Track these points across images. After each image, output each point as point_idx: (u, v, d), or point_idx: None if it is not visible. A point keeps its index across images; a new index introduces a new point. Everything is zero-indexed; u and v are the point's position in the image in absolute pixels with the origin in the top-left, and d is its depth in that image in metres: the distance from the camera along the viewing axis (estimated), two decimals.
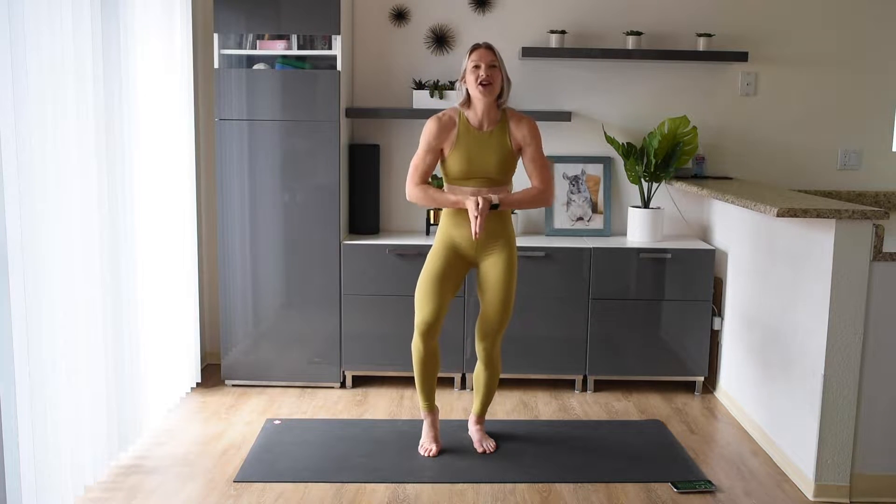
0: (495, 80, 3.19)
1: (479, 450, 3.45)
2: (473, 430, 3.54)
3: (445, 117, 3.27)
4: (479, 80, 3.16)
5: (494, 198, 3.21)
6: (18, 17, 2.50)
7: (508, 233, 3.33)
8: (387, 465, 3.31)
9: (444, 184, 3.32)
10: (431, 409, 3.48)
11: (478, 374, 3.48)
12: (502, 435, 3.61)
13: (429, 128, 3.26)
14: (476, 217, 3.15)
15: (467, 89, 3.23)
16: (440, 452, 3.43)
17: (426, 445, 3.44)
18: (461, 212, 3.27)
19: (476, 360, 3.47)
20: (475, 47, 3.23)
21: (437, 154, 3.27)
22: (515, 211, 4.36)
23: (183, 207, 3.98)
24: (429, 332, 3.33)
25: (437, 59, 4.42)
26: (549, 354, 4.18)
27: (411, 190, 3.29)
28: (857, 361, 3.03)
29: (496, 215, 3.28)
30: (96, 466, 3.10)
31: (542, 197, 3.30)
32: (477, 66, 3.18)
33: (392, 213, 4.53)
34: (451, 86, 4.30)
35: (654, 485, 3.19)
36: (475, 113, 3.24)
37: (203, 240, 4.45)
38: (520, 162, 3.32)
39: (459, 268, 3.34)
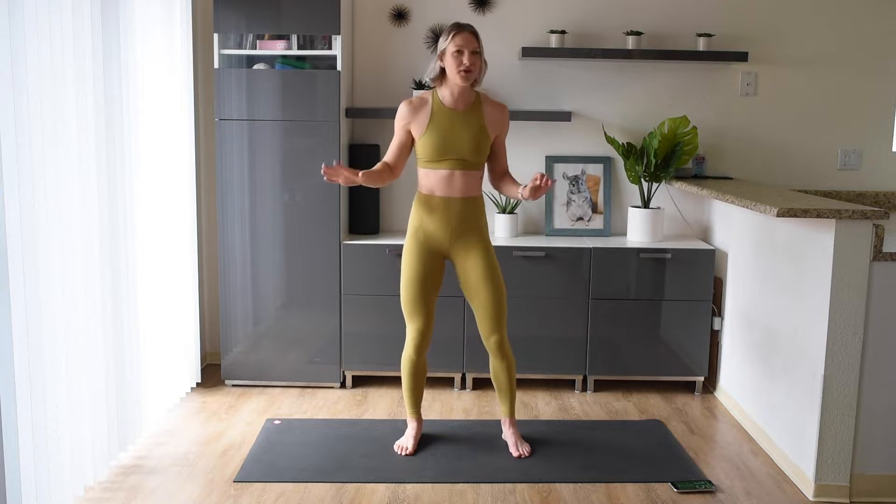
0: (476, 67, 3.17)
1: (515, 454, 3.40)
2: (508, 434, 3.49)
3: (417, 99, 3.28)
4: (461, 68, 3.14)
5: None
6: (18, 17, 2.50)
7: (482, 224, 3.32)
8: (387, 465, 3.31)
9: (418, 168, 3.30)
10: (419, 416, 3.51)
11: (496, 372, 3.44)
12: (502, 435, 3.60)
13: (399, 111, 3.27)
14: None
15: (442, 67, 3.20)
16: (414, 453, 3.43)
17: (403, 443, 3.44)
18: (432, 198, 3.26)
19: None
20: (458, 29, 3.16)
21: (406, 136, 3.27)
22: (516, 210, 4.36)
23: (183, 207, 3.98)
24: (423, 341, 3.36)
25: None
26: (549, 354, 4.18)
27: None
28: (857, 361, 3.03)
29: (472, 205, 3.27)
30: (96, 466, 3.10)
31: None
32: (460, 52, 3.14)
33: (392, 213, 4.53)
34: None
35: (654, 485, 3.19)
36: (450, 92, 3.22)
37: (203, 240, 4.45)
38: None
39: (436, 266, 3.34)
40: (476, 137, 3.21)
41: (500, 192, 3.42)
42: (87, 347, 3.00)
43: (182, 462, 3.34)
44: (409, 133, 3.27)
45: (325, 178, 3.05)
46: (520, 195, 3.19)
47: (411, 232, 3.33)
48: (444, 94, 3.24)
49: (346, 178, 3.08)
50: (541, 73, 4.44)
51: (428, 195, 3.28)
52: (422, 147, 3.23)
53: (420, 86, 4.31)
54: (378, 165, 3.28)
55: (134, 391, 3.43)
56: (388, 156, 3.31)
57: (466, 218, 3.27)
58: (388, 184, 3.37)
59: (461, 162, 3.21)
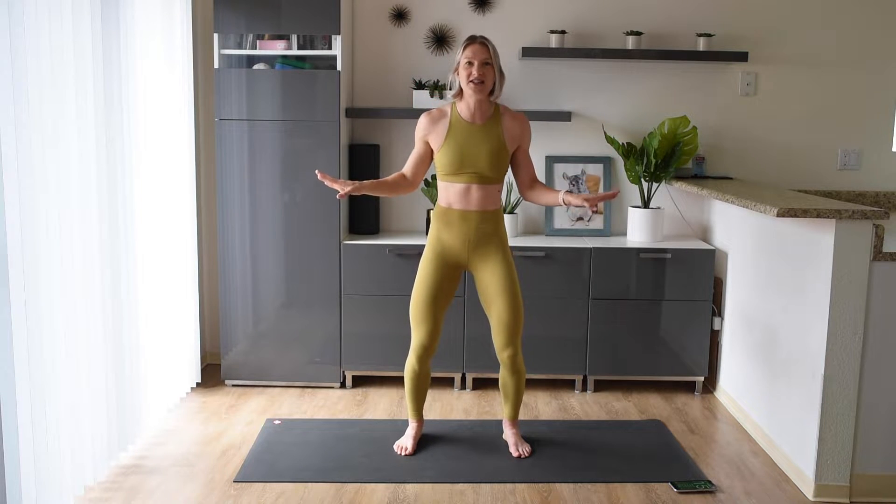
0: (487, 78, 3.16)
1: (515, 454, 3.41)
2: (509, 434, 3.50)
3: (436, 111, 3.29)
4: (470, 78, 3.15)
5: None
6: (18, 16, 2.50)
7: (501, 236, 3.32)
8: (387, 465, 3.31)
9: (438, 181, 3.32)
10: (420, 418, 3.51)
11: (505, 382, 3.42)
12: (502, 435, 3.60)
13: (419, 123, 3.29)
14: None
15: (460, 82, 3.22)
16: (414, 453, 3.43)
17: (403, 443, 3.45)
18: (450, 211, 3.26)
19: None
20: (470, 41, 3.18)
21: (425, 147, 3.28)
22: (516, 210, 4.36)
23: (183, 207, 3.98)
24: (426, 353, 3.36)
25: (437, 59, 4.42)
26: (549, 354, 4.18)
27: None
28: (857, 361, 3.03)
29: (489, 218, 3.27)
30: (96, 466, 3.10)
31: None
32: (470, 63, 3.15)
33: (392, 213, 4.53)
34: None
35: (654, 485, 3.19)
36: (467, 106, 3.23)
37: (203, 240, 4.45)
38: None
39: (452, 279, 3.33)
40: (494, 151, 3.20)
41: (535, 202, 3.38)
42: (87, 347, 3.00)
43: (182, 462, 3.34)
44: (427, 145, 3.28)
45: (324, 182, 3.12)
46: (562, 202, 3.18)
47: (429, 242, 3.33)
48: (463, 107, 3.24)
49: (341, 185, 3.10)
50: (541, 73, 4.44)
51: (446, 208, 3.28)
52: (440, 160, 3.24)
53: (420, 86, 4.31)
54: (392, 176, 3.31)
55: (134, 391, 3.43)
56: (407, 167, 3.32)
57: (484, 231, 3.26)
58: (407, 193, 3.37)
59: (478, 176, 3.21)
